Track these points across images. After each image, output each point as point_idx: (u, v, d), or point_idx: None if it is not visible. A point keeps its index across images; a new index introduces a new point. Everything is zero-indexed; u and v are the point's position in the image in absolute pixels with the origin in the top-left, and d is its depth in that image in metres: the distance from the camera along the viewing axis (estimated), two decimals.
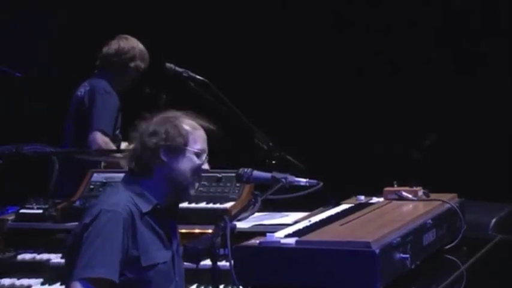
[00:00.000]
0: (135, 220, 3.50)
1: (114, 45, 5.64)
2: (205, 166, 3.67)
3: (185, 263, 3.68)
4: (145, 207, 3.55)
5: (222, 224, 3.20)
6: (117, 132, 5.55)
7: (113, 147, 5.37)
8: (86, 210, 3.58)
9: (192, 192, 3.67)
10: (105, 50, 5.67)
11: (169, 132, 3.58)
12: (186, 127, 3.63)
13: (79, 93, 5.61)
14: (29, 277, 4.41)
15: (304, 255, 3.26)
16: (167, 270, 3.58)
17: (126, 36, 5.71)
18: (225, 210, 4.38)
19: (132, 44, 5.66)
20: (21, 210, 4.61)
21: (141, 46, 5.70)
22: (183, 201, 3.83)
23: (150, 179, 3.59)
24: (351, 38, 7.25)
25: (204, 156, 3.66)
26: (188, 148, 3.60)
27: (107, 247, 3.40)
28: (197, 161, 3.63)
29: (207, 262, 3.42)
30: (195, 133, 3.64)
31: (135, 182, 3.60)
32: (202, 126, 3.68)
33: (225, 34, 7.38)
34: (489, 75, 6.95)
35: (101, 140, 5.37)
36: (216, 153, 3.80)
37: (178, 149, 3.59)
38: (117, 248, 3.42)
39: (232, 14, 7.37)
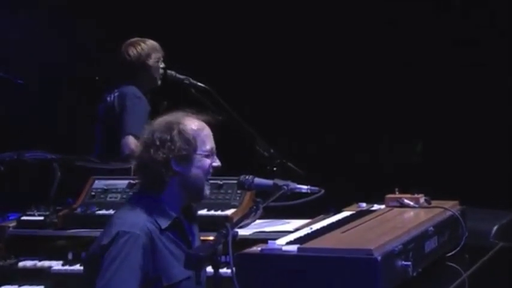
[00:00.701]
0: (154, 239, 3.43)
1: (126, 58, 5.58)
2: (217, 162, 3.62)
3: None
4: (164, 223, 3.49)
5: (224, 231, 3.19)
6: None
7: None
8: (105, 228, 3.50)
9: (207, 191, 3.61)
10: (119, 63, 5.63)
11: (176, 142, 3.50)
12: (192, 130, 3.55)
13: (108, 98, 5.57)
14: (31, 284, 4.40)
15: (306, 262, 3.25)
16: (191, 284, 3.53)
17: (130, 41, 5.67)
18: (226, 217, 4.37)
19: (139, 46, 5.62)
20: (23, 217, 4.60)
21: (147, 41, 5.65)
22: (198, 202, 3.77)
23: (164, 191, 3.53)
24: (352, 42, 7.24)
25: (214, 154, 3.62)
26: (198, 152, 3.55)
27: (125, 270, 3.35)
28: (208, 161, 3.58)
29: (209, 269, 3.41)
30: (201, 134, 3.57)
31: (149, 197, 3.53)
32: (205, 122, 3.61)
33: (227, 41, 7.39)
34: (491, 82, 6.95)
35: (134, 144, 5.32)
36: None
37: (189, 156, 3.52)
38: (135, 271, 3.37)
39: (234, 21, 7.37)
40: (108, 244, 3.40)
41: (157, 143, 3.49)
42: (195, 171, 3.54)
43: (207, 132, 3.59)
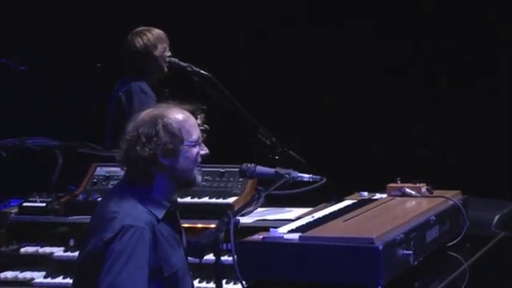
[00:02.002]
0: (155, 231, 3.39)
1: (132, 48, 5.54)
2: (205, 150, 3.58)
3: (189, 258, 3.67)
4: (160, 213, 3.44)
5: (226, 219, 3.20)
6: None
7: None
8: (102, 224, 3.39)
9: (199, 178, 3.57)
10: (125, 55, 5.60)
11: (162, 136, 3.44)
12: (176, 122, 3.49)
13: (117, 92, 5.56)
14: (32, 270, 4.42)
15: (307, 250, 3.25)
16: (184, 270, 3.52)
17: (135, 31, 5.64)
18: (228, 205, 4.37)
19: (145, 37, 5.58)
20: (24, 204, 4.61)
21: (153, 31, 5.61)
22: (189, 189, 3.73)
23: (153, 184, 3.47)
24: (353, 32, 7.23)
25: (201, 143, 3.57)
26: (185, 144, 3.50)
27: (133, 265, 3.28)
28: (196, 150, 3.53)
29: (211, 257, 3.42)
30: (186, 125, 3.51)
31: (140, 188, 3.47)
32: (189, 112, 3.56)
33: (229, 29, 7.37)
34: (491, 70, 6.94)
35: None
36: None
37: (175, 149, 3.47)
38: (143, 266, 3.31)
39: (236, 9, 7.36)
40: (112, 238, 3.31)
41: (143, 139, 3.43)
42: (183, 163, 3.49)
43: (191, 122, 3.54)
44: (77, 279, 3.57)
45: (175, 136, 3.47)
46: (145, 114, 3.52)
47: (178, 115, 3.52)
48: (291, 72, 7.29)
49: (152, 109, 3.54)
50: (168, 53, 5.54)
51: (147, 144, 3.42)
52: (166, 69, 5.55)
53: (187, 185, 3.58)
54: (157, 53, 5.53)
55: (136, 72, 5.51)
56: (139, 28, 5.62)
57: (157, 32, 5.59)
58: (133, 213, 3.37)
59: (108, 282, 3.26)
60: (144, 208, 3.41)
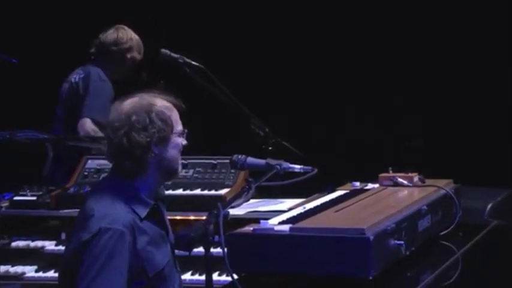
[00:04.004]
0: (135, 232, 3.33)
1: (112, 35, 5.64)
2: (185, 141, 3.55)
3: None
4: (143, 211, 3.39)
5: (215, 212, 3.18)
6: None
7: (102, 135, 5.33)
8: (82, 221, 3.34)
9: (180, 168, 3.56)
10: (102, 38, 5.66)
11: (156, 123, 3.40)
12: (167, 110, 3.47)
13: (72, 79, 5.59)
14: (23, 264, 4.42)
15: (298, 242, 3.23)
16: (171, 266, 3.49)
17: (124, 26, 5.73)
18: (220, 196, 4.37)
19: (129, 35, 5.68)
20: (15, 197, 4.61)
21: (137, 38, 5.72)
22: (171, 180, 3.71)
23: (140, 176, 3.42)
24: (345, 19, 7.21)
25: (184, 133, 3.55)
26: (174, 132, 3.48)
27: (109, 269, 3.23)
28: (181, 141, 3.51)
29: (201, 250, 3.40)
30: (173, 114, 3.49)
31: (123, 183, 3.41)
32: (171, 103, 3.53)
33: (222, 20, 7.35)
34: (488, 60, 6.92)
35: (90, 127, 5.35)
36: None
37: (167, 137, 3.44)
38: (120, 269, 3.26)
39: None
40: (88, 240, 3.25)
41: (138, 126, 3.39)
42: (171, 151, 3.47)
43: (176, 111, 3.51)
44: (60, 276, 3.54)
45: (167, 124, 3.45)
46: (133, 102, 3.46)
47: (166, 103, 3.50)
48: (282, 60, 7.27)
49: (137, 97, 3.48)
50: (134, 67, 5.58)
51: (142, 131, 3.38)
52: (119, 79, 5.59)
53: (171, 175, 3.55)
54: (128, 55, 5.59)
55: (99, 58, 5.55)
56: (130, 28, 5.68)
57: (139, 40, 5.69)
58: (112, 214, 3.31)
59: (84, 286, 3.22)
60: (125, 207, 3.36)
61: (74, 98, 5.51)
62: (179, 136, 3.50)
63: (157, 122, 3.42)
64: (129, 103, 3.47)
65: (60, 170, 5.17)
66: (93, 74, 5.52)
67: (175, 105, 3.52)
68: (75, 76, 5.59)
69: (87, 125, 5.30)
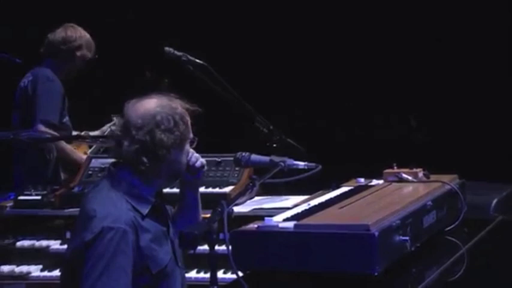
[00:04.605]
0: (137, 230, 3.32)
1: (60, 33, 5.59)
2: (191, 150, 3.55)
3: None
4: (145, 209, 3.38)
5: (219, 209, 3.17)
6: (65, 119, 5.45)
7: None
8: (84, 221, 3.32)
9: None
10: (51, 37, 5.60)
11: (180, 126, 3.39)
12: (186, 115, 3.46)
13: (22, 83, 5.54)
14: (28, 264, 4.43)
15: (303, 239, 3.22)
16: (173, 263, 3.48)
17: (73, 25, 5.67)
18: (224, 194, 4.36)
19: (79, 33, 5.62)
20: (20, 197, 4.60)
21: (87, 35, 5.66)
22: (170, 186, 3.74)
23: (156, 176, 3.41)
24: (348, 16, 7.20)
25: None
26: (188, 137, 3.48)
27: (112, 269, 3.22)
28: (189, 149, 3.51)
29: (205, 247, 3.39)
30: (189, 120, 3.49)
31: (129, 181, 3.39)
32: (186, 107, 3.51)
33: (226, 18, 7.34)
34: (490, 54, 6.91)
35: (44, 131, 5.29)
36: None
37: (184, 142, 3.45)
38: (124, 268, 3.25)
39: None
40: (91, 240, 3.23)
41: (163, 126, 3.36)
42: (183, 157, 3.47)
43: (189, 118, 3.51)
44: (63, 277, 3.54)
45: (187, 129, 3.45)
46: (156, 102, 3.42)
47: (183, 109, 3.47)
48: (286, 57, 7.27)
49: (157, 98, 3.45)
50: (84, 66, 5.56)
51: (166, 132, 3.37)
52: (70, 78, 5.56)
53: (174, 180, 3.59)
54: (78, 53, 5.56)
55: (47, 58, 5.54)
56: (78, 26, 5.65)
57: (89, 38, 5.66)
58: (114, 213, 3.30)
59: (88, 286, 3.22)
60: (127, 205, 3.35)
61: (25, 101, 5.45)
62: (189, 143, 3.51)
63: (182, 126, 3.42)
64: (152, 103, 3.43)
65: (21, 170, 5.18)
66: (40, 75, 5.46)
67: (189, 110, 3.50)
68: (25, 80, 5.53)
69: (42, 129, 5.21)
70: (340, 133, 7.09)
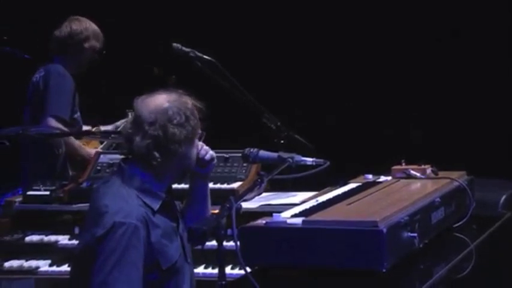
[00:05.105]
0: (149, 225, 3.33)
1: (66, 28, 5.57)
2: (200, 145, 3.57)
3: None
4: (155, 205, 3.39)
5: (228, 205, 3.17)
6: (76, 115, 5.46)
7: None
8: (94, 217, 3.32)
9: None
10: (57, 33, 5.59)
11: (191, 121, 3.41)
12: (196, 110, 3.47)
13: (34, 79, 5.54)
14: (37, 258, 4.44)
15: (311, 235, 3.23)
16: (182, 259, 3.48)
17: (77, 17, 5.65)
18: (232, 190, 4.37)
19: (84, 25, 5.60)
20: (29, 192, 4.61)
21: (94, 26, 5.63)
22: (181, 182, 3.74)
23: (166, 171, 3.43)
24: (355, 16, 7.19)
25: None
26: (197, 133, 3.50)
27: (124, 263, 3.23)
28: (198, 144, 3.53)
29: (213, 243, 3.40)
30: (198, 115, 3.50)
31: (141, 177, 3.40)
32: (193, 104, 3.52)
33: (234, 14, 7.34)
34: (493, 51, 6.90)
35: (54, 126, 5.30)
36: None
37: (194, 137, 3.47)
38: (135, 263, 3.26)
39: None
40: (103, 236, 3.24)
41: (175, 121, 3.37)
42: (193, 152, 3.49)
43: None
44: (72, 272, 3.55)
45: (198, 124, 3.47)
46: (167, 97, 3.43)
47: (195, 104, 3.49)
48: (296, 54, 7.26)
49: (167, 94, 3.46)
50: (96, 56, 5.55)
51: (179, 126, 3.38)
52: (83, 70, 5.55)
53: (184, 176, 3.58)
54: (86, 45, 5.55)
55: (58, 54, 5.52)
56: (82, 17, 5.64)
57: (96, 29, 5.64)
58: (125, 208, 3.30)
59: (99, 281, 3.22)
60: (138, 201, 3.36)
61: (37, 97, 5.45)
62: (198, 138, 3.52)
63: (193, 121, 3.43)
64: (163, 98, 3.44)
65: (29, 165, 5.20)
66: (52, 71, 5.45)
67: (197, 106, 3.51)
68: (37, 75, 5.53)
69: (52, 123, 5.24)
70: (348, 128, 7.08)
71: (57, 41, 5.56)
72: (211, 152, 3.58)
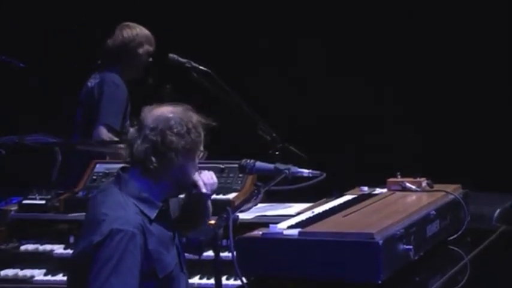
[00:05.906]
0: (145, 233, 3.35)
1: (118, 37, 5.59)
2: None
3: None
4: (152, 213, 3.41)
5: (225, 215, 3.18)
6: (127, 123, 5.51)
7: None
8: (92, 225, 3.35)
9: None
10: (110, 43, 5.60)
11: (192, 134, 3.44)
12: (200, 127, 3.51)
13: (89, 83, 5.56)
14: (32, 268, 4.43)
15: (307, 246, 3.24)
16: (178, 269, 3.50)
17: (127, 23, 5.67)
18: (228, 201, 4.37)
19: (135, 31, 5.61)
20: (24, 201, 4.61)
21: (144, 30, 5.64)
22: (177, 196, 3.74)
23: (163, 181, 3.46)
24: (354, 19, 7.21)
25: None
26: (200, 148, 3.53)
27: (121, 270, 3.24)
28: (197, 162, 3.55)
29: (211, 253, 3.40)
30: (202, 132, 3.54)
31: (138, 183, 3.43)
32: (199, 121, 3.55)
33: (229, 23, 7.35)
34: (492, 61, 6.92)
35: (106, 135, 5.33)
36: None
37: (194, 152, 3.49)
38: (132, 270, 3.27)
39: (235, 4, 7.35)
40: (100, 242, 3.26)
41: (175, 130, 3.41)
42: (191, 168, 3.51)
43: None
44: (69, 279, 3.56)
45: (199, 140, 3.50)
46: (172, 109, 3.48)
47: (198, 120, 3.51)
48: (290, 67, 7.28)
49: (173, 106, 3.51)
50: (150, 59, 5.57)
51: (177, 136, 3.42)
52: (139, 76, 5.57)
53: (181, 191, 3.61)
54: (140, 51, 5.57)
55: (113, 62, 5.54)
56: (132, 23, 5.65)
57: (147, 33, 5.65)
58: (123, 216, 3.33)
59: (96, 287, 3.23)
60: (135, 209, 3.38)
61: (90, 102, 5.49)
62: (198, 157, 3.54)
63: (194, 134, 3.46)
64: (169, 109, 3.50)
65: (71, 175, 5.17)
66: (107, 79, 5.48)
67: (203, 124, 3.54)
68: (92, 81, 5.56)
69: (104, 133, 5.28)
70: (345, 140, 7.09)
71: (110, 51, 5.57)
72: (211, 185, 3.63)
